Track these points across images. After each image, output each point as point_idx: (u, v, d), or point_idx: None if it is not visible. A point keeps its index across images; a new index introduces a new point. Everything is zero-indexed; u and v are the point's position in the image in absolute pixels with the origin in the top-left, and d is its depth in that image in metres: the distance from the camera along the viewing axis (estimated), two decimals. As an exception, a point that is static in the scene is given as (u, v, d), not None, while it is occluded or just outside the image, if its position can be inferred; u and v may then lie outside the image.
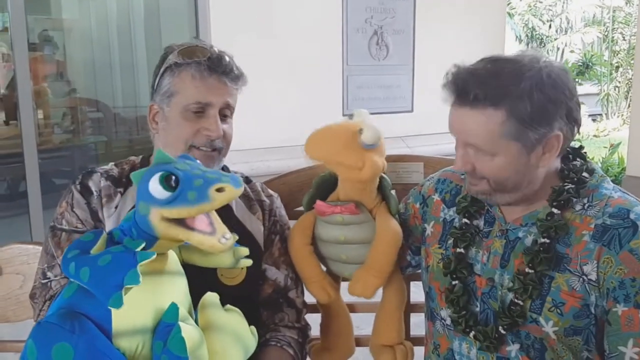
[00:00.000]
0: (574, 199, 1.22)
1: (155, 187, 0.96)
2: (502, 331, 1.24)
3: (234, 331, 1.11)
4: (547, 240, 1.20)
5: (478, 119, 1.16)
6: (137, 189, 1.00)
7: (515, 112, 1.14)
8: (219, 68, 1.35)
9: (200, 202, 0.94)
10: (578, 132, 1.23)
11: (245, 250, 1.20)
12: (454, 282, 1.32)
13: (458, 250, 1.32)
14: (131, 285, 0.92)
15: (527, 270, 1.21)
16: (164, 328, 1.00)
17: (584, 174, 1.24)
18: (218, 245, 0.98)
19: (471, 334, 1.28)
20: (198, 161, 1.06)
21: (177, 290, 1.07)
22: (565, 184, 1.23)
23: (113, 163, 1.43)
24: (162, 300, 1.03)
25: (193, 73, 1.34)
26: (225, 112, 1.39)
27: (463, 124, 1.19)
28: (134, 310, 0.98)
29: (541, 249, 1.20)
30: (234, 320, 1.13)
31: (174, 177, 0.96)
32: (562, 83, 1.16)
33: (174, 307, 1.02)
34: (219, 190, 0.94)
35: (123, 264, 0.94)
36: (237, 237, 1.18)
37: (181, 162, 1.00)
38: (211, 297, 1.11)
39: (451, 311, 1.32)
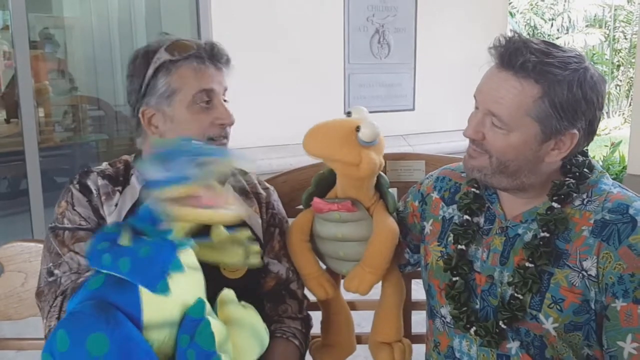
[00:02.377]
0: (574, 194, 1.22)
1: (151, 170, 0.98)
2: (503, 325, 1.24)
3: (252, 326, 1.13)
4: (547, 234, 1.20)
5: (514, 88, 1.16)
6: (146, 179, 1.02)
7: (551, 94, 1.14)
8: (215, 56, 1.37)
9: (196, 177, 0.96)
10: (588, 143, 1.24)
11: (256, 248, 1.21)
12: (454, 279, 1.32)
13: (459, 246, 1.32)
14: (175, 273, 0.94)
15: (527, 264, 1.21)
16: (190, 322, 1.01)
17: (585, 169, 1.25)
18: (227, 215, 1.01)
19: (472, 330, 1.28)
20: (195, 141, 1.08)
21: (197, 284, 1.09)
22: (567, 179, 1.23)
23: (107, 163, 1.43)
24: (186, 294, 1.04)
25: (195, 66, 1.34)
26: (224, 98, 1.41)
27: (495, 89, 1.19)
28: (164, 303, 0.99)
29: (541, 243, 1.20)
30: (251, 316, 1.15)
31: (166, 158, 0.97)
32: (599, 89, 1.18)
33: (200, 302, 1.04)
34: (210, 162, 0.96)
35: (164, 253, 0.96)
36: (250, 234, 1.20)
37: (174, 143, 1.02)
38: (229, 293, 1.13)
39: (452, 307, 1.32)
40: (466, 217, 1.33)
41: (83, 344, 0.92)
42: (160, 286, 0.93)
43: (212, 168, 0.97)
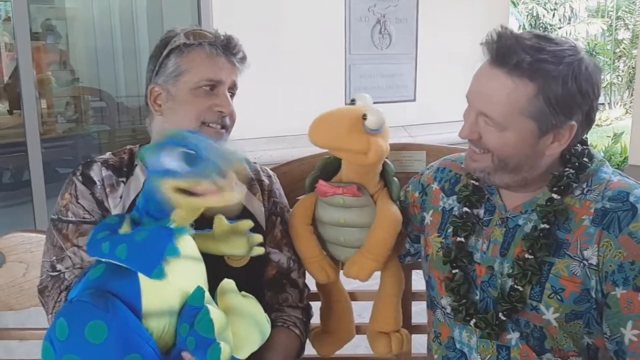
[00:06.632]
0: (574, 184, 1.22)
1: (171, 160, 0.97)
2: (502, 317, 1.24)
3: (253, 316, 1.13)
4: (547, 226, 1.20)
5: (507, 86, 1.15)
6: (149, 163, 1.01)
7: (546, 90, 1.13)
8: (229, 49, 1.39)
9: (217, 177, 0.97)
10: (588, 132, 1.24)
11: (258, 237, 1.22)
12: (454, 271, 1.32)
13: (458, 239, 1.32)
14: (171, 258, 0.94)
15: (526, 256, 1.21)
16: (190, 311, 1.02)
17: (585, 159, 1.24)
18: (232, 196, 1.00)
19: (472, 322, 1.29)
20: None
21: (198, 275, 1.09)
22: (566, 169, 1.23)
23: (110, 152, 1.43)
24: (186, 283, 1.05)
25: (207, 52, 1.36)
26: (231, 92, 1.41)
27: (488, 88, 1.17)
28: (163, 291, 1.00)
29: (541, 234, 1.20)
30: (251, 305, 1.15)
31: (192, 153, 0.97)
32: (594, 80, 1.17)
33: (200, 291, 1.04)
34: (235, 168, 0.97)
35: (161, 238, 0.97)
36: (252, 224, 1.20)
37: (195, 137, 1.01)
38: (229, 283, 1.13)
39: (451, 300, 1.32)
40: (465, 209, 1.33)
41: (82, 332, 0.93)
42: (156, 271, 0.93)
43: (220, 164, 0.97)
